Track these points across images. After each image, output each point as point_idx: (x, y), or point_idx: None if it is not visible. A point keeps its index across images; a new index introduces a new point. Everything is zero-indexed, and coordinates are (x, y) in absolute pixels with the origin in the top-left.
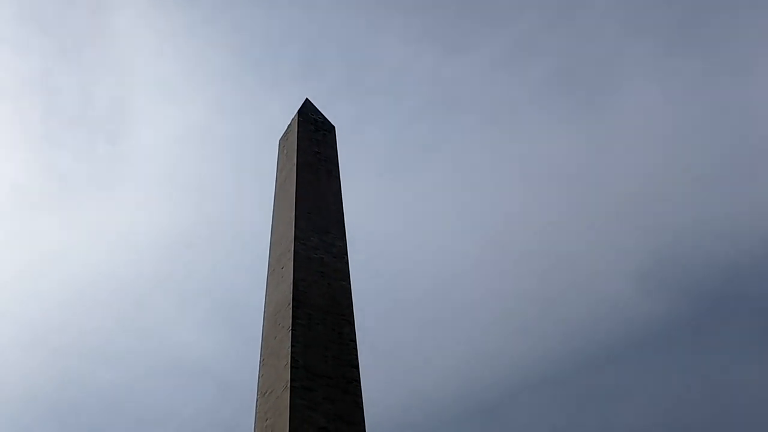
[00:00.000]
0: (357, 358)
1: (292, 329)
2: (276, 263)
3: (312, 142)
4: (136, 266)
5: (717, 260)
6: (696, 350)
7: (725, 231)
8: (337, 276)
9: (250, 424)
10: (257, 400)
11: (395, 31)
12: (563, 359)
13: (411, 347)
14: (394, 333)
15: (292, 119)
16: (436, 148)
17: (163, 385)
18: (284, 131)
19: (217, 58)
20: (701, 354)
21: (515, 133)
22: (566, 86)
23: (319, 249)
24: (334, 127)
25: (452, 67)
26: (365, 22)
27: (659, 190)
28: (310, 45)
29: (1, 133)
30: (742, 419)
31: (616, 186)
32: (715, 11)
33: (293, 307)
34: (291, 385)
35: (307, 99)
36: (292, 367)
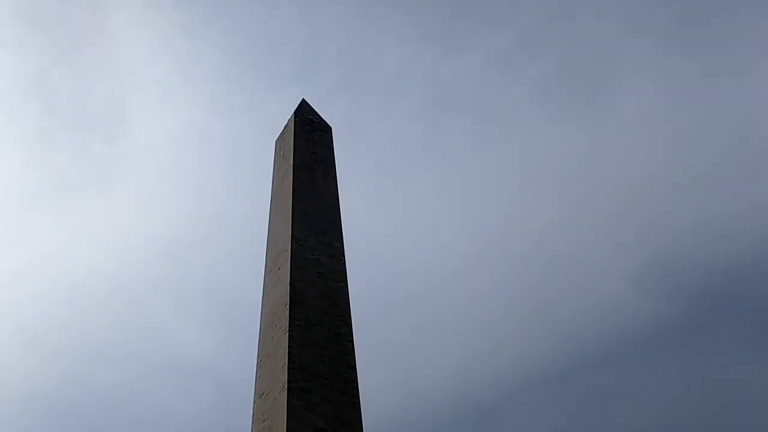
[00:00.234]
0: (354, 359)
1: (289, 330)
2: (273, 264)
3: (308, 143)
4: (136, 266)
5: (717, 260)
6: (696, 350)
7: (725, 231)
8: (334, 277)
9: (248, 424)
10: (254, 401)
11: (393, 31)
12: (563, 359)
13: (411, 347)
14: (394, 333)
15: (289, 120)
16: (434, 148)
17: (162, 385)
18: (281, 132)
19: (215, 58)
20: (701, 354)
21: (514, 133)
22: (566, 86)
23: (316, 250)
24: (330, 128)
25: (451, 67)
26: (363, 22)
27: (659, 190)
28: (307, 45)
29: None
30: (742, 419)
31: (616, 186)
32: (714, 11)
33: (290, 308)
34: (288, 386)
35: (303, 99)
36: (289, 368)
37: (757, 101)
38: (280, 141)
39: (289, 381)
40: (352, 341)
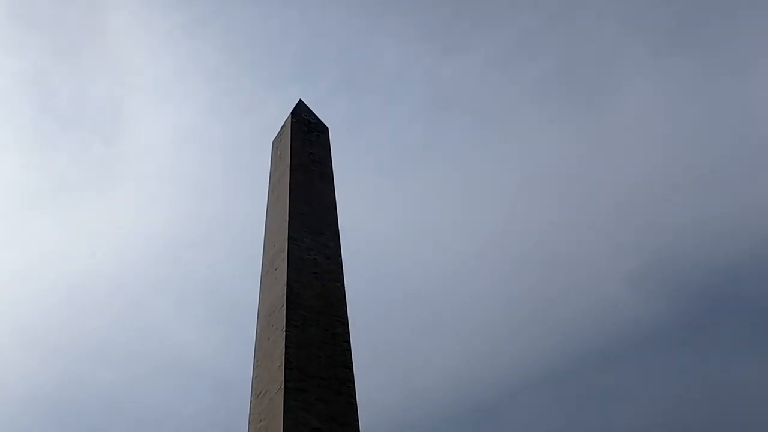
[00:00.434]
0: (351, 359)
1: (285, 331)
2: (269, 264)
3: (305, 143)
4: (136, 266)
5: (717, 260)
6: (696, 350)
7: (725, 231)
8: (331, 277)
9: (247, 425)
10: (251, 402)
11: (393, 31)
12: (563, 359)
13: (411, 347)
14: (393, 333)
15: (286, 120)
16: (434, 148)
17: (162, 385)
18: (277, 132)
19: (214, 58)
20: (701, 354)
21: (514, 133)
22: (565, 86)
23: (312, 250)
24: (327, 128)
25: (451, 67)
26: (363, 22)
27: (659, 190)
28: (307, 45)
29: None
30: (742, 419)
31: (616, 186)
32: (714, 11)
33: (287, 308)
34: (285, 387)
35: (300, 100)
36: (285, 368)
37: (757, 101)
38: (276, 142)
39: (285, 381)
40: (348, 341)
